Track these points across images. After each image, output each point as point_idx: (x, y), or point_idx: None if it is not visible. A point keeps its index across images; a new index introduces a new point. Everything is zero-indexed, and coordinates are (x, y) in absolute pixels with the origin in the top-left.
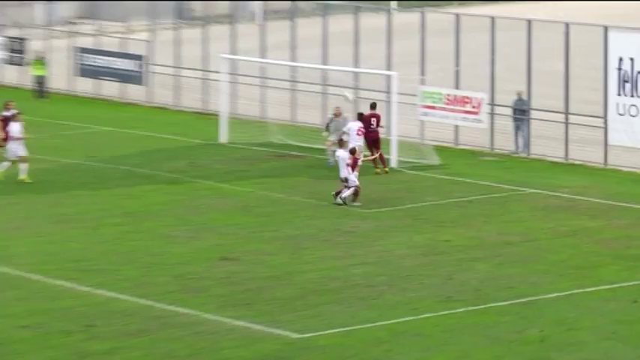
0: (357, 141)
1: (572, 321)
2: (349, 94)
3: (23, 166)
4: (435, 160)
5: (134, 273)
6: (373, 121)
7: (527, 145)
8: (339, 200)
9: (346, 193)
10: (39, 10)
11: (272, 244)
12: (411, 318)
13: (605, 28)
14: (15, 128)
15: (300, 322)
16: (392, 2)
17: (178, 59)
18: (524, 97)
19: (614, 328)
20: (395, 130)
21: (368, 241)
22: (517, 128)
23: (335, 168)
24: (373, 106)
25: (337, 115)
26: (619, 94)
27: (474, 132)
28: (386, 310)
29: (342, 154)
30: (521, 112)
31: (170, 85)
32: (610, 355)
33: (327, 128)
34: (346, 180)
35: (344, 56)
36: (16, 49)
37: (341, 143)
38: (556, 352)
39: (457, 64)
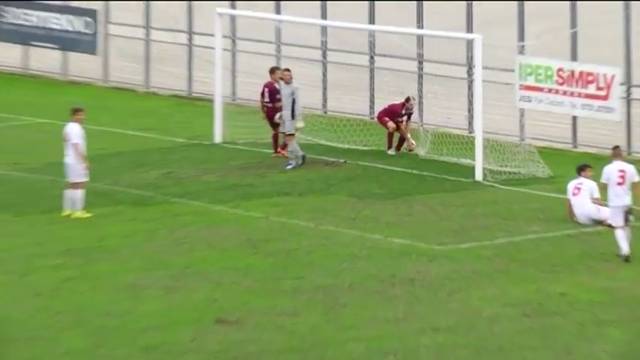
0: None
1: None
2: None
3: None
4: (542, 169)
5: (82, 343)
6: None
7: None
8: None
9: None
10: None
11: (294, 299)
12: None
13: None
14: None
15: None
16: None
17: (148, 17)
18: None
19: None
20: (479, 123)
21: (441, 294)
22: None
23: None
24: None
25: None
26: None
27: (602, 126)
28: None
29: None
30: None
31: (137, 55)
32: None
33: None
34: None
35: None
36: None
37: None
38: None
39: (574, 23)
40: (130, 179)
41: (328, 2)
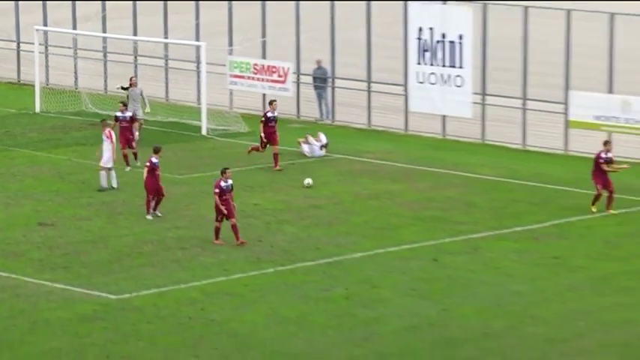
0: None
1: (375, 279)
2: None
3: None
4: (243, 127)
5: None
6: None
7: (330, 112)
8: None
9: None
10: None
11: (88, 210)
12: (223, 279)
13: (405, 1)
14: None
15: (117, 283)
16: None
17: None
18: (324, 65)
19: (415, 285)
20: (204, 99)
21: (180, 206)
22: (319, 96)
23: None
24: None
25: (132, 84)
26: (419, 63)
27: (281, 100)
28: (199, 271)
29: None
30: (322, 81)
31: None
32: (411, 311)
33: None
34: None
35: (154, 27)
36: None
37: None
38: (361, 308)
39: (264, 35)
40: None
41: (109, 21)
